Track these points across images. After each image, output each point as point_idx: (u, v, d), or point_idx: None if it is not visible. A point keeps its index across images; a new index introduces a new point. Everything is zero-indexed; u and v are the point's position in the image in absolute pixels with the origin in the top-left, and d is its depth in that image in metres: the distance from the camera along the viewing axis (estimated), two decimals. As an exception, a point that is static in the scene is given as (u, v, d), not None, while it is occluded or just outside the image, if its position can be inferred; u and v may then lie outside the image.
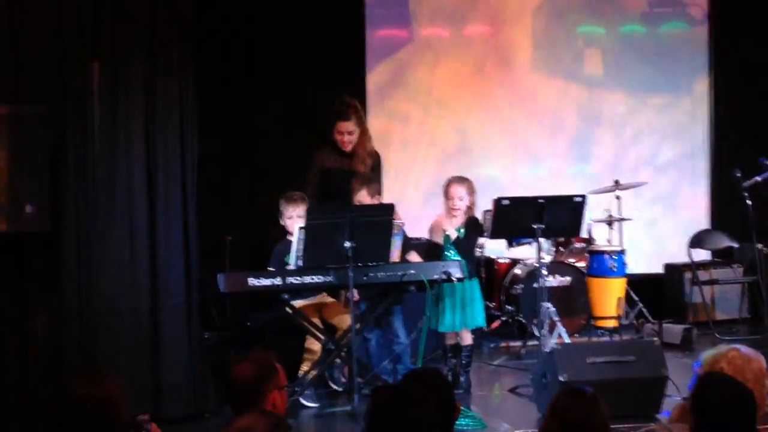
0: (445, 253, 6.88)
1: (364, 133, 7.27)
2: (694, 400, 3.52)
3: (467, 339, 6.99)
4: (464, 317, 6.87)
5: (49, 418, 3.48)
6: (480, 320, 7.00)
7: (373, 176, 7.20)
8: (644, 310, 8.86)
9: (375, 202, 6.94)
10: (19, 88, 6.08)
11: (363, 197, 6.95)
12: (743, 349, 3.91)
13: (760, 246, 8.34)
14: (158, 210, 6.28)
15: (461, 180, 6.97)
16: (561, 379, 5.96)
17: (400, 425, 3.40)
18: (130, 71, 6.22)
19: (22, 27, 6.10)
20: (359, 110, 7.32)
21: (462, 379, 6.96)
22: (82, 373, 3.50)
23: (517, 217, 6.92)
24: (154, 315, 6.24)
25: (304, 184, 7.27)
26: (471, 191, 6.94)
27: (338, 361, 6.82)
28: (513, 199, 7.01)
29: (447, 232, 6.89)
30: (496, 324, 8.56)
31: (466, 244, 6.88)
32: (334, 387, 6.89)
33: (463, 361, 6.99)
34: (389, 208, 6.61)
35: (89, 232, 6.12)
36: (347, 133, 7.19)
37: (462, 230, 6.90)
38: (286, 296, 6.44)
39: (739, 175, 7.82)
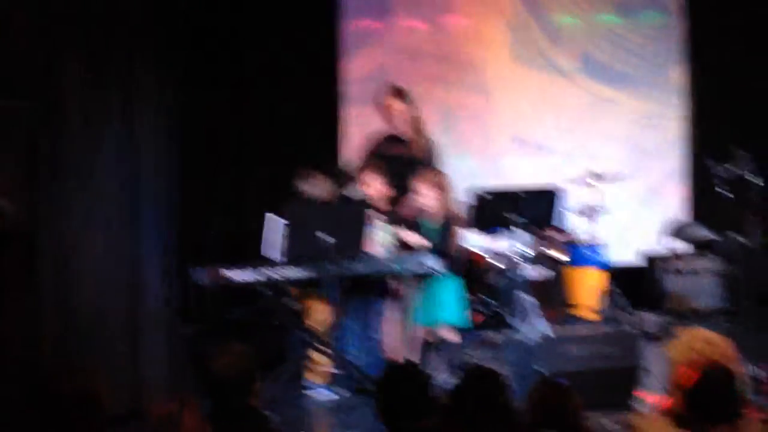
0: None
1: (416, 118, 7.29)
2: (694, 391, 3.54)
3: (450, 336, 6.97)
4: (436, 314, 6.85)
5: (24, 418, 3.47)
6: (455, 319, 6.95)
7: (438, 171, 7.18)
8: (623, 300, 8.90)
9: (432, 193, 6.88)
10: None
11: (371, 180, 6.97)
12: (708, 336, 3.92)
13: (738, 237, 8.37)
14: (137, 205, 6.27)
15: (421, 175, 6.96)
16: (539, 370, 5.98)
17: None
18: (109, 66, 6.21)
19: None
20: (405, 92, 7.37)
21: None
22: (62, 369, 3.51)
23: (495, 209, 6.94)
24: (133, 309, 6.25)
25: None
26: (437, 186, 6.89)
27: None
28: (491, 191, 7.02)
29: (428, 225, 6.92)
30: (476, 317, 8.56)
31: (440, 243, 6.86)
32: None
33: (449, 357, 6.97)
34: (361, 202, 6.63)
35: (66, 229, 6.10)
36: (395, 108, 7.24)
37: (436, 228, 6.90)
38: (266, 290, 6.43)
39: (716, 166, 7.84)
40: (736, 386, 3.57)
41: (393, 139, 7.34)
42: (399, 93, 7.30)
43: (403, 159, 7.26)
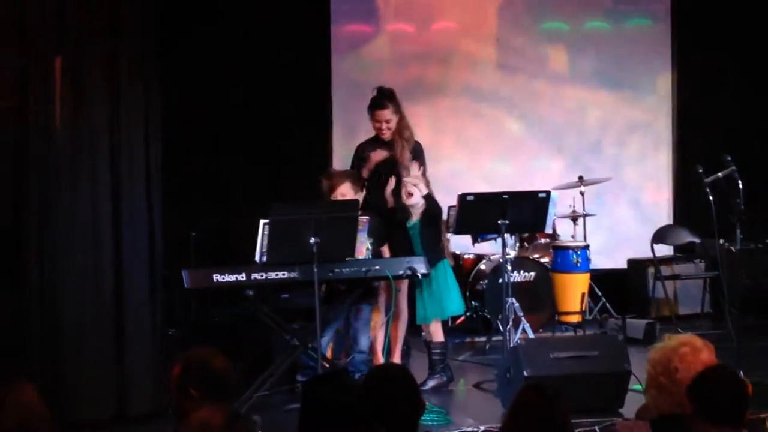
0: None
1: (401, 121, 7.28)
2: (695, 390, 3.54)
3: (438, 335, 7.00)
4: (439, 307, 6.90)
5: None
6: (454, 308, 7.01)
7: (355, 172, 7.17)
8: (608, 305, 8.94)
9: (417, 192, 6.91)
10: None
11: (346, 190, 6.93)
12: (691, 341, 3.92)
13: (721, 241, 8.41)
14: (122, 205, 6.24)
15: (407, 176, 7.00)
16: (525, 374, 5.99)
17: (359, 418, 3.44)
18: (94, 66, 6.18)
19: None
20: (395, 98, 7.31)
21: (432, 382, 6.92)
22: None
23: (481, 212, 6.93)
24: (118, 311, 6.21)
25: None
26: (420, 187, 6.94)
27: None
28: (477, 195, 7.02)
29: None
30: (461, 319, 8.58)
31: (421, 239, 6.91)
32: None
33: (434, 357, 6.98)
34: (353, 205, 6.61)
35: (51, 228, 6.08)
36: (384, 122, 7.20)
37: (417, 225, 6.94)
38: (250, 292, 6.42)
39: (701, 171, 7.90)
40: (744, 389, 3.57)
41: (377, 142, 7.33)
42: (386, 95, 7.29)
43: (385, 161, 7.25)
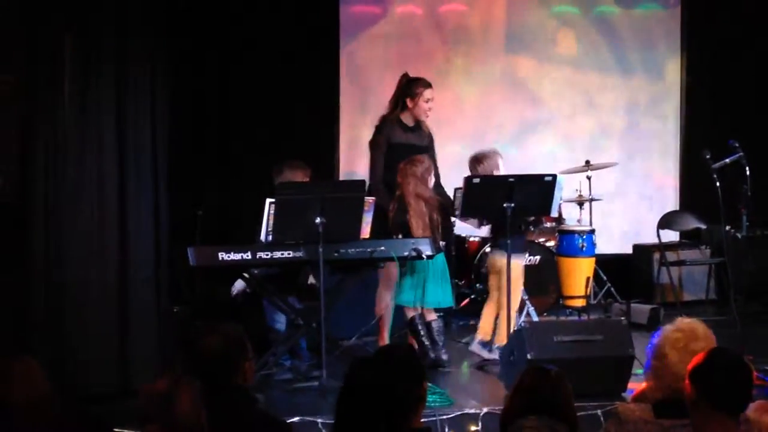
0: None
1: None
2: (699, 373, 3.53)
3: (429, 315, 7.00)
4: (425, 296, 6.89)
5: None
6: (444, 300, 7.01)
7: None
8: (612, 289, 8.94)
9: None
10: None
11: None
12: (689, 328, 3.90)
13: (727, 228, 8.40)
14: (129, 182, 6.26)
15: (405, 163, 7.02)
16: (528, 357, 6.00)
17: (368, 397, 3.45)
18: (102, 43, 6.18)
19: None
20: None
21: (432, 355, 6.94)
22: None
23: (487, 196, 6.92)
24: (123, 287, 6.23)
25: (375, 155, 7.26)
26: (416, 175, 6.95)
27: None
28: (483, 178, 7.02)
29: None
30: (465, 302, 8.58)
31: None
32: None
33: (434, 337, 6.99)
34: (360, 185, 6.61)
35: (58, 204, 6.09)
36: (431, 100, 7.23)
37: None
38: (255, 271, 6.42)
39: (708, 156, 7.90)
40: (749, 374, 3.56)
41: (403, 127, 7.31)
42: (429, 84, 7.31)
43: (410, 146, 7.26)
